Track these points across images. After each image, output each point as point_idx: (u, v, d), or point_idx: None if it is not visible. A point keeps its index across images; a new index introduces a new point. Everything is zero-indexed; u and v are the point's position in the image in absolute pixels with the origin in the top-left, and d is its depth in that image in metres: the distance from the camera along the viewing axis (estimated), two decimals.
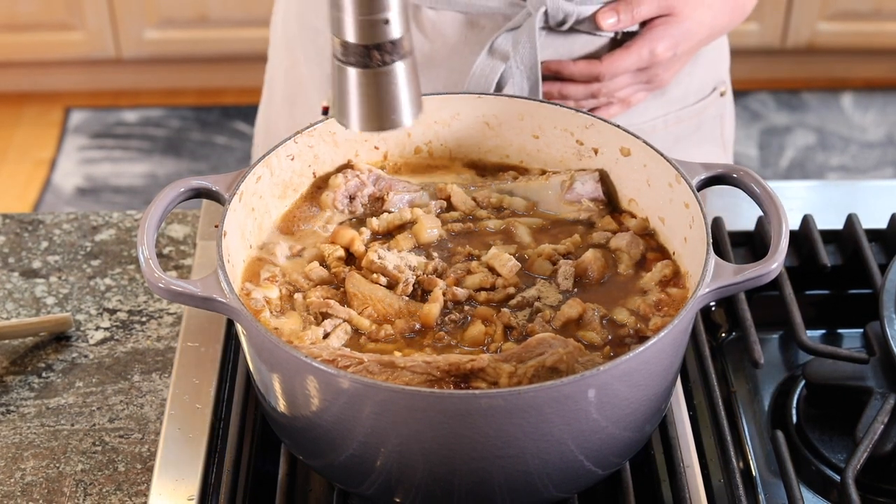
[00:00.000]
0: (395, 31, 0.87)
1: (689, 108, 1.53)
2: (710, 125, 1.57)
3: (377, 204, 1.20)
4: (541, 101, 1.21)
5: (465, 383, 1.01)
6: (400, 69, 0.89)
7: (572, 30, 1.38)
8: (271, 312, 1.08)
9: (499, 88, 1.37)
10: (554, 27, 1.37)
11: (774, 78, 3.82)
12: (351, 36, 0.87)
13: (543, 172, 1.24)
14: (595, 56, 1.40)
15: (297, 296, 1.11)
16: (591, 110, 1.43)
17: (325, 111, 1.53)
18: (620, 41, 1.40)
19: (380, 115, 0.91)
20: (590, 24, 1.37)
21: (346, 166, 1.22)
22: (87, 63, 3.70)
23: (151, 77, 3.76)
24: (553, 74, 1.39)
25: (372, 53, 0.88)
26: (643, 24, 1.38)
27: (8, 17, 3.55)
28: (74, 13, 3.54)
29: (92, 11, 3.53)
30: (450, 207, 1.21)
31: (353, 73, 0.89)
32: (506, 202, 1.21)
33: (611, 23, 1.35)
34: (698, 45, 1.43)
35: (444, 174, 1.25)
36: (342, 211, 1.20)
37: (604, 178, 1.20)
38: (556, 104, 1.21)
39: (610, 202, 1.20)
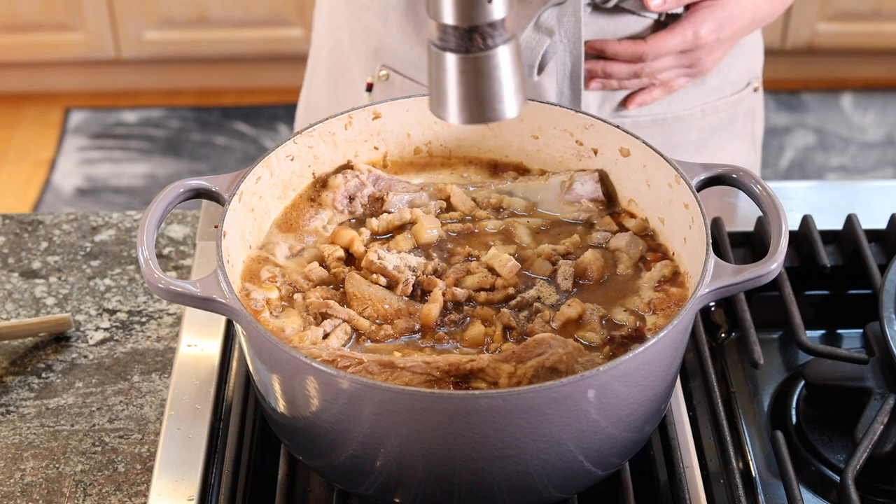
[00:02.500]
0: (497, 10, 0.80)
1: (725, 99, 1.54)
2: (742, 120, 1.57)
3: (377, 204, 1.20)
4: (540, 102, 1.21)
5: (464, 383, 1.01)
6: (503, 53, 0.82)
7: (617, 8, 1.38)
8: (271, 313, 1.08)
9: (542, 64, 1.37)
10: (600, 4, 1.37)
11: (774, 78, 3.81)
12: (450, 18, 0.80)
13: (543, 173, 1.24)
14: (639, 37, 1.40)
15: (297, 296, 1.11)
16: (633, 93, 1.44)
17: (370, 88, 1.52)
18: (664, 23, 1.40)
19: (481, 105, 0.84)
20: (635, 3, 1.37)
21: (346, 166, 1.22)
22: (86, 63, 3.70)
23: (151, 77, 3.76)
24: (597, 53, 1.40)
25: (473, 37, 0.81)
26: (687, 7, 1.39)
27: (8, 18, 3.55)
28: (74, 14, 3.54)
29: (92, 12, 3.53)
30: (449, 208, 1.21)
31: (451, 60, 0.82)
32: (505, 202, 1.21)
33: (657, 3, 1.35)
34: (740, 32, 1.43)
35: (447, 173, 1.25)
36: (342, 211, 1.20)
37: (603, 179, 1.20)
38: (555, 105, 1.21)
39: (609, 202, 1.20)
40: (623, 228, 1.18)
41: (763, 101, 1.67)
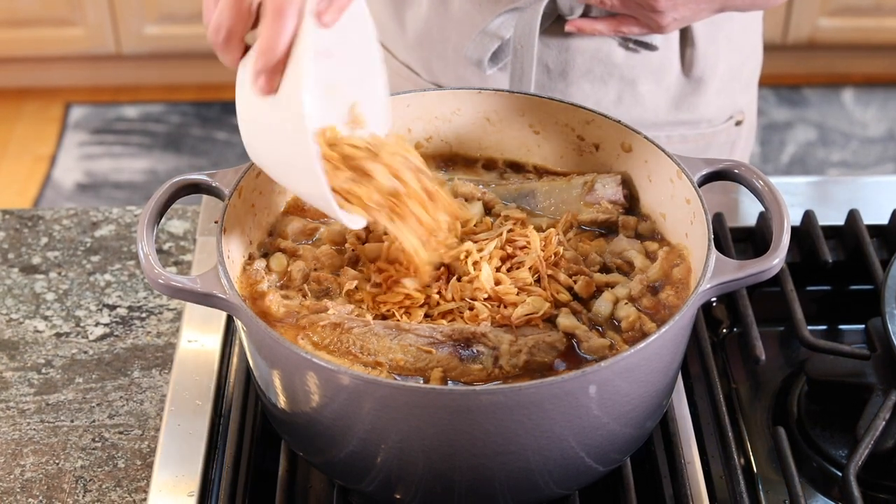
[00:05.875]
0: None
1: (699, 131, 1.54)
2: (716, 151, 1.57)
3: None
4: (542, 97, 1.21)
5: (466, 348, 1.02)
6: None
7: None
8: (269, 284, 1.08)
9: (497, 60, 1.38)
10: (564, 16, 1.37)
11: (775, 73, 3.81)
12: None
13: (540, 174, 1.23)
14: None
15: (297, 269, 1.10)
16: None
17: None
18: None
19: None
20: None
21: None
22: (87, 59, 3.70)
23: (151, 72, 3.75)
24: None
25: None
26: None
27: (8, 13, 3.55)
28: (74, 9, 3.54)
29: (92, 7, 3.53)
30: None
31: None
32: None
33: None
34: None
35: (463, 173, 1.25)
36: None
37: (627, 182, 1.19)
38: (557, 100, 1.20)
39: (632, 206, 1.19)
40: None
41: (754, 133, 1.66)
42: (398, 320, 1.05)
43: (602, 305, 1.08)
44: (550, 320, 1.07)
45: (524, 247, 1.11)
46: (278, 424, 1.09)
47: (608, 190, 1.19)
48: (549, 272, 1.10)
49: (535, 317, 1.05)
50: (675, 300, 1.08)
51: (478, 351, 1.02)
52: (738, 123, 1.58)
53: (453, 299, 1.07)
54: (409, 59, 1.55)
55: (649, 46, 1.42)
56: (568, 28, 1.39)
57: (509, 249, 1.11)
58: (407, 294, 1.07)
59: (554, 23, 1.40)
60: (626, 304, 1.07)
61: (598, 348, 1.03)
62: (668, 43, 1.46)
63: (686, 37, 1.46)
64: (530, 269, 1.09)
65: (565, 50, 1.44)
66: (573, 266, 1.11)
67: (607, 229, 1.17)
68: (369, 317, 1.06)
